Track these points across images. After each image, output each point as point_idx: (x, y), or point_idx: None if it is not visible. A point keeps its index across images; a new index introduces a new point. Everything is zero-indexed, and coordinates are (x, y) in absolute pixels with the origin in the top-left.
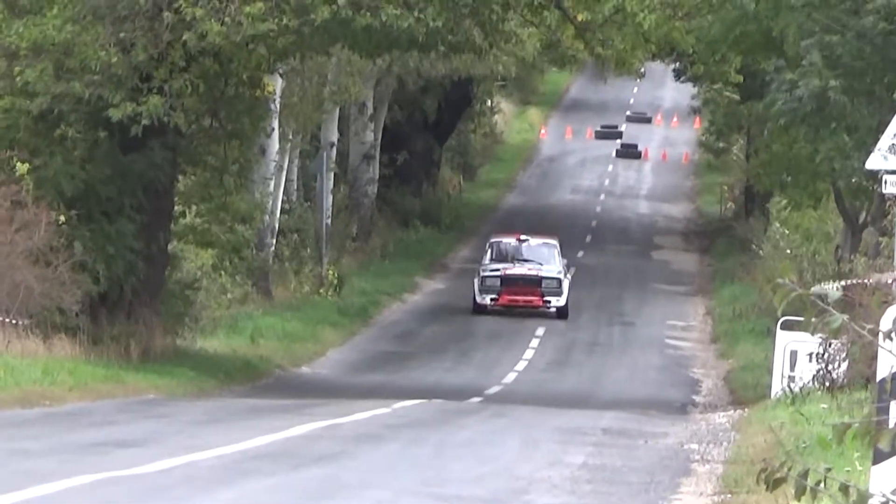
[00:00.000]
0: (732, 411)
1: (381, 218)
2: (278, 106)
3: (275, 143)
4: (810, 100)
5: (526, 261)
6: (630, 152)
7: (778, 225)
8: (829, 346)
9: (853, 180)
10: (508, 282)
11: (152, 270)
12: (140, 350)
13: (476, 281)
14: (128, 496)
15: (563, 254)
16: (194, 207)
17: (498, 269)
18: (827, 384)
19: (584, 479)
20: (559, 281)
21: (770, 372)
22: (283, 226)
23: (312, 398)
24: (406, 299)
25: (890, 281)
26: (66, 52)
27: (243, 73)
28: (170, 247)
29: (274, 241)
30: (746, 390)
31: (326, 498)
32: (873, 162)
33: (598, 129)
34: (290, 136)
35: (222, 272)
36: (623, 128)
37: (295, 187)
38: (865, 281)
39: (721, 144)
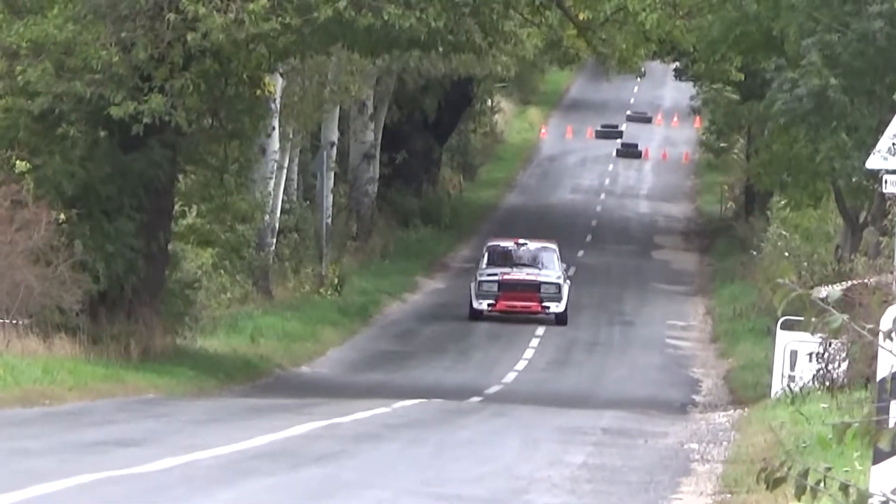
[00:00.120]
0: (732, 411)
1: (381, 217)
2: (278, 105)
3: (275, 143)
4: (810, 99)
5: (524, 265)
6: (630, 152)
7: (775, 226)
8: (830, 345)
9: (853, 180)
10: (506, 287)
11: (152, 269)
12: (140, 349)
13: (473, 286)
14: (127, 495)
15: (563, 254)
16: (195, 208)
17: (495, 274)
18: (827, 384)
19: (584, 478)
20: (558, 286)
21: (770, 371)
22: (283, 225)
23: (312, 397)
24: (406, 299)
25: (890, 280)
26: (67, 51)
27: (243, 73)
28: (170, 246)
29: (274, 240)
30: (746, 390)
31: (326, 497)
32: (873, 162)
33: (599, 128)
34: (291, 136)
35: (222, 271)
36: (623, 127)
37: (295, 187)
38: (866, 281)
39: (721, 144)
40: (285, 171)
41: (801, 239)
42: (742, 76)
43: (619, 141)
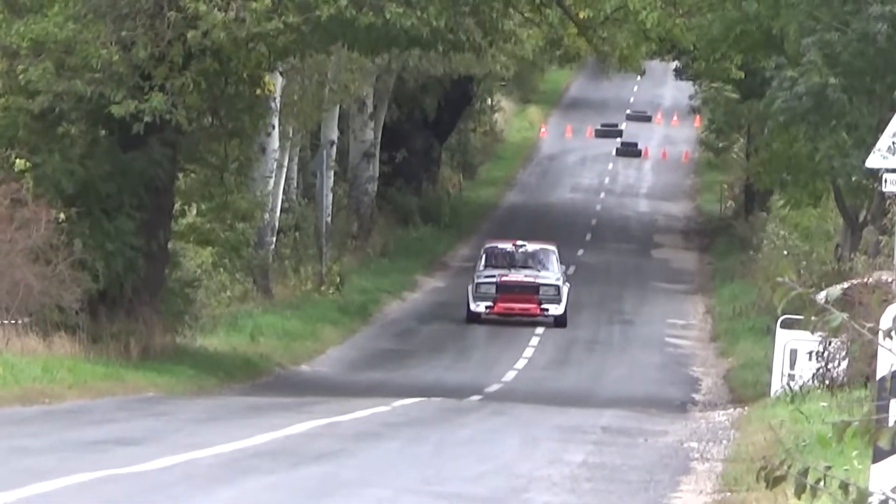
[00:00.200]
0: (732, 409)
1: (381, 216)
2: (278, 104)
3: (275, 142)
4: (810, 97)
5: (523, 267)
6: (630, 151)
7: (774, 225)
8: (829, 344)
9: (853, 178)
10: (504, 289)
11: (152, 268)
12: (140, 348)
13: (470, 288)
14: (127, 494)
15: (563, 253)
16: (195, 206)
17: (493, 276)
18: (827, 382)
19: (584, 477)
20: (557, 288)
21: (770, 370)
22: (283, 224)
23: (312, 396)
24: (406, 297)
25: (890, 279)
26: (68, 50)
27: (243, 72)
28: (170, 245)
29: (274, 239)
30: (746, 388)
31: (326, 496)
32: (873, 160)
33: (599, 127)
34: (291, 135)
35: (222, 270)
36: (623, 126)
37: (295, 185)
38: (865, 280)
39: (721, 143)
40: (285, 169)
41: (800, 238)
42: (742, 75)
43: (618, 140)
